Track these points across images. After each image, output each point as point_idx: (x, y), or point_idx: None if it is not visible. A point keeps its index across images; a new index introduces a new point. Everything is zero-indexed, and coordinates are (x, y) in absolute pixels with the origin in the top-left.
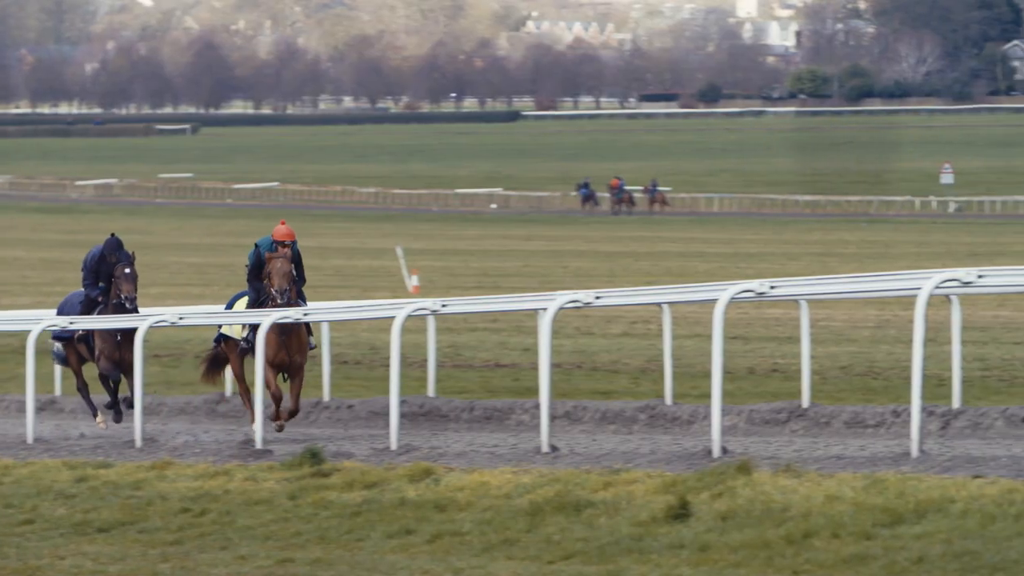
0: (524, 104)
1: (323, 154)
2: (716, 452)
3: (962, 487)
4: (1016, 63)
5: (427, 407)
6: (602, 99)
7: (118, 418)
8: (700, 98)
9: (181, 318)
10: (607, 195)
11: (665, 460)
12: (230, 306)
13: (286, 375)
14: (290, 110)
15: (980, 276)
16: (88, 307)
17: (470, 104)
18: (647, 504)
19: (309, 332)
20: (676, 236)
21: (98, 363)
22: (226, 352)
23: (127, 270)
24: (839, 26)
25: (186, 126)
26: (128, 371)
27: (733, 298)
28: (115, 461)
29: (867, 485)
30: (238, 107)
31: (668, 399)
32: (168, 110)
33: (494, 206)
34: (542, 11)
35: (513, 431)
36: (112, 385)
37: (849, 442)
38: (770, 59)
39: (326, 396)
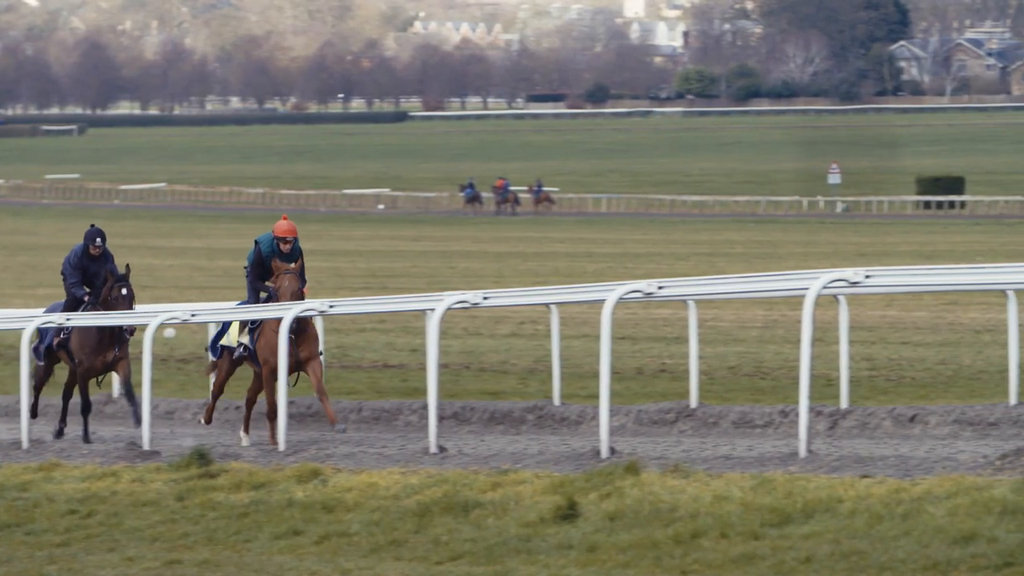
0: (411, 105)
1: (210, 155)
2: (604, 452)
3: (850, 487)
4: (903, 63)
5: (315, 408)
6: (489, 99)
7: (59, 436)
8: (587, 98)
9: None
10: (491, 195)
11: (553, 461)
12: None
13: (300, 373)
14: (177, 111)
15: (867, 276)
16: (72, 310)
17: (358, 105)
18: (535, 505)
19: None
20: (564, 236)
21: (78, 367)
22: (219, 362)
23: (124, 291)
24: (726, 26)
25: (73, 127)
26: (119, 370)
27: (621, 298)
28: (1, 463)
29: (755, 485)
30: (125, 108)
31: (556, 399)
32: (55, 111)
33: (381, 207)
34: (429, 12)
35: (401, 432)
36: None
37: (737, 442)
38: (657, 59)
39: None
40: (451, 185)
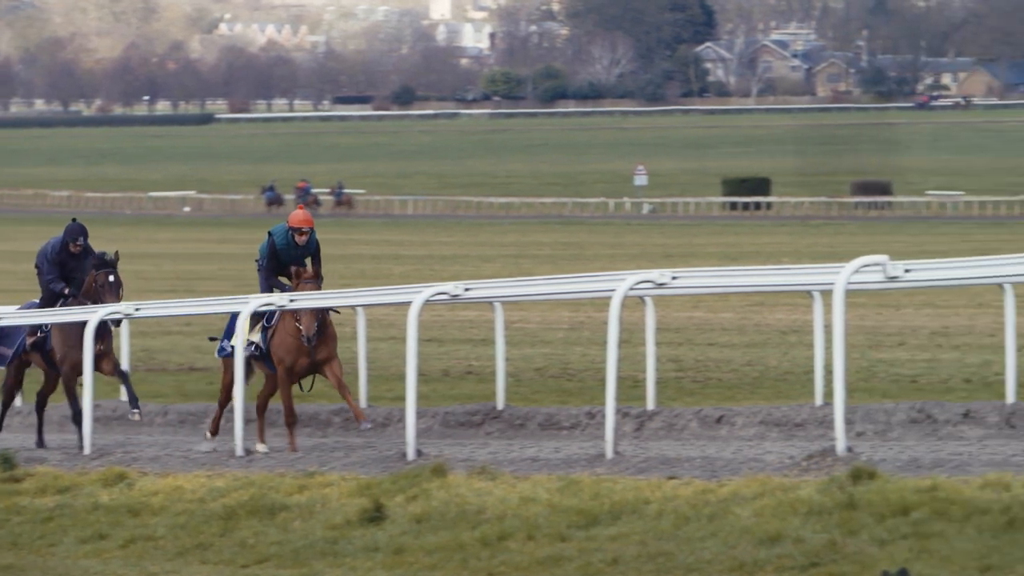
0: (217, 107)
1: (15, 157)
2: (411, 455)
3: (656, 488)
4: (709, 65)
5: (120, 411)
6: (296, 101)
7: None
8: (394, 100)
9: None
10: (293, 197)
11: (360, 463)
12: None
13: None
14: None
15: (674, 278)
16: (49, 305)
17: (163, 107)
18: (342, 507)
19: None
20: (370, 238)
21: (61, 368)
22: (224, 362)
23: (111, 277)
24: (533, 28)
25: None
26: (106, 367)
27: (428, 300)
28: None
29: (562, 487)
30: None
31: (363, 401)
32: None
33: (187, 209)
34: (235, 13)
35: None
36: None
37: (544, 444)
38: (464, 61)
39: (18, 401)
40: (257, 187)
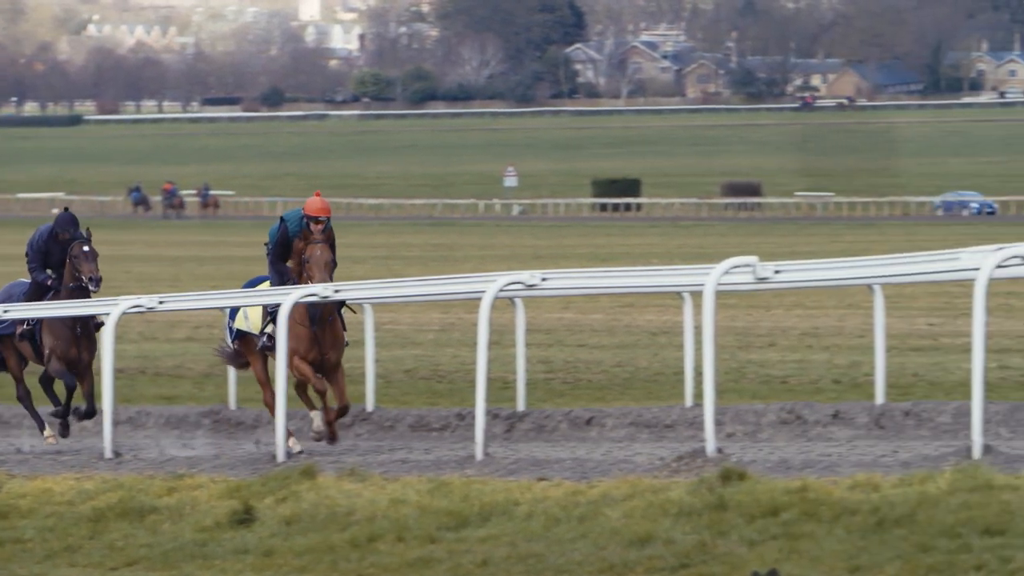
0: (86, 108)
1: None
2: (281, 457)
3: (527, 490)
4: (578, 66)
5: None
6: (165, 103)
7: (65, 432)
8: (263, 101)
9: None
10: (160, 199)
11: (229, 465)
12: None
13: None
14: None
15: (544, 279)
16: (36, 295)
17: (31, 108)
18: (211, 509)
19: (343, 325)
20: (240, 240)
21: (47, 365)
22: (244, 352)
23: (85, 248)
24: (402, 29)
25: None
26: (85, 374)
27: (298, 302)
28: None
29: (432, 488)
30: None
31: (232, 404)
32: None
33: (56, 211)
34: (103, 14)
35: (76, 437)
36: (67, 391)
37: (414, 445)
38: (333, 62)
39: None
40: (125, 189)
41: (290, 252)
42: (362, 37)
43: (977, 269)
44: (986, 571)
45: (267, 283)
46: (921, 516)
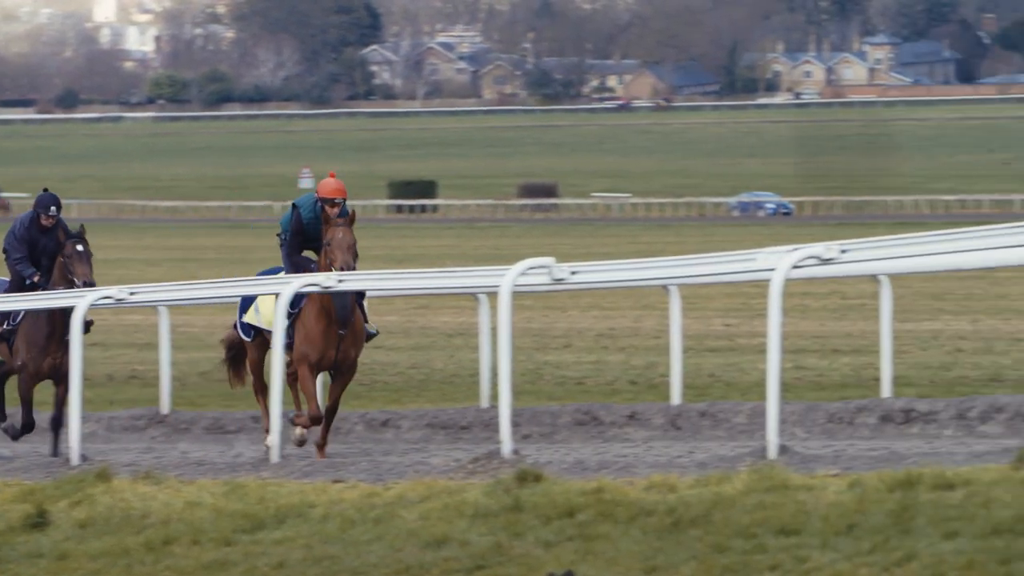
0: None
1: None
2: (75, 460)
3: (322, 492)
4: (375, 67)
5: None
6: None
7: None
8: (58, 103)
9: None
10: None
11: (23, 468)
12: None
13: (331, 373)
14: None
15: (340, 280)
16: (18, 292)
17: None
18: (4, 513)
19: (364, 318)
20: None
21: (19, 373)
22: (246, 346)
23: (79, 247)
24: (198, 31)
25: None
26: (62, 381)
27: (93, 304)
28: None
29: (227, 491)
30: None
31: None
32: None
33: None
34: None
35: None
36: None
37: (209, 448)
38: (128, 64)
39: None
40: None
41: (308, 241)
42: (158, 39)
43: (773, 270)
44: (781, 571)
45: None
46: (717, 516)
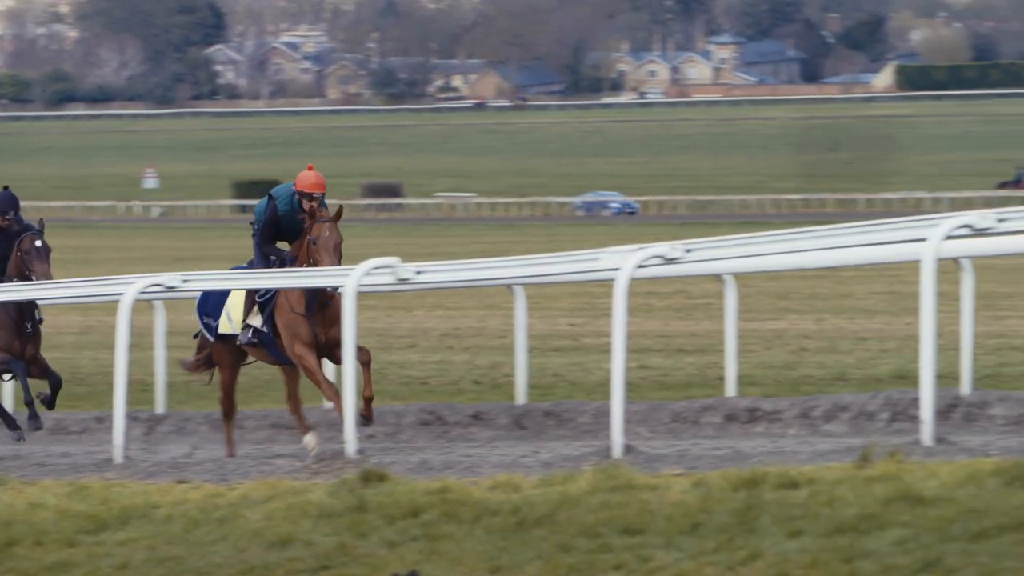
0: None
1: None
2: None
3: (166, 492)
4: (219, 67)
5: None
6: None
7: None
8: None
9: (186, 280)
10: None
11: None
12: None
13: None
14: None
15: (185, 280)
16: None
17: None
18: None
19: None
20: None
21: None
22: (217, 355)
23: (38, 243)
24: (41, 30)
25: None
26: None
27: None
28: None
29: (70, 492)
30: None
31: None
32: None
33: None
34: None
35: None
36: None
37: (52, 448)
38: None
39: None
40: None
41: (281, 234)
42: None
43: (617, 269)
44: (625, 570)
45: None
46: (562, 516)
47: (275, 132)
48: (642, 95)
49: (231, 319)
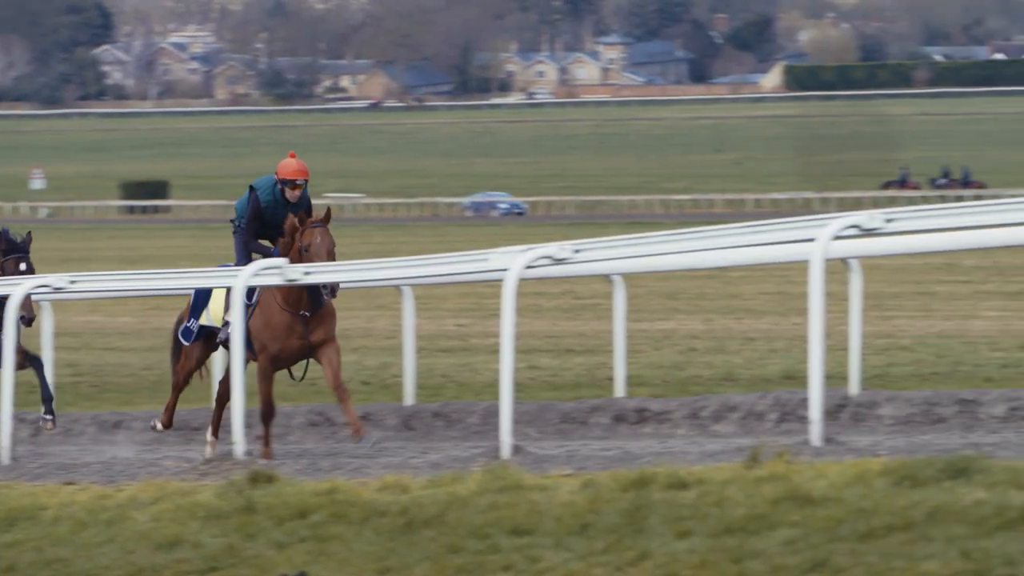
0: None
1: None
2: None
3: (54, 494)
4: (107, 67)
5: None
6: None
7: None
8: None
9: (73, 282)
10: None
11: None
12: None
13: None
14: None
15: (72, 282)
16: None
17: None
18: None
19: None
20: None
21: None
22: (189, 348)
23: (22, 265)
24: None
25: None
26: None
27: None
28: None
29: None
30: None
31: None
32: None
33: None
34: None
35: None
36: None
37: None
38: None
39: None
40: None
41: (264, 226)
42: None
43: (506, 270)
44: (514, 571)
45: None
46: (450, 517)
47: (163, 133)
48: (530, 95)
49: (208, 311)
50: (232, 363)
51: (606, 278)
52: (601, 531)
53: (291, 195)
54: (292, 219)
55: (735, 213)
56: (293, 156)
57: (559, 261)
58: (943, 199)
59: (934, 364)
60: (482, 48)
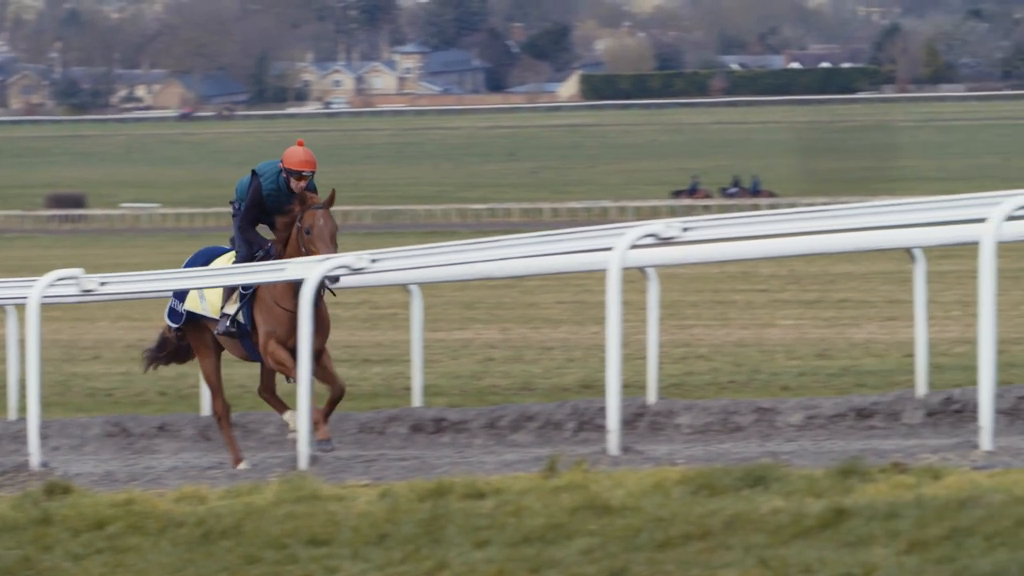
0: None
1: None
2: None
3: None
4: None
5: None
6: None
7: None
8: None
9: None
10: None
11: None
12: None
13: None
14: None
15: None
16: None
17: None
18: None
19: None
20: None
21: None
22: (188, 339)
23: None
24: None
25: None
26: None
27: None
28: None
29: None
30: None
31: None
32: None
33: None
34: None
35: None
36: None
37: None
38: None
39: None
40: None
41: (265, 215)
42: None
43: (302, 280)
44: None
45: (225, 257)
46: (248, 527)
47: None
48: (327, 105)
49: (204, 298)
50: (27, 377)
51: (404, 288)
52: (399, 541)
53: (296, 186)
54: (301, 194)
55: (532, 222)
56: (301, 144)
57: (356, 271)
58: (735, 208)
59: (731, 373)
60: (278, 57)
